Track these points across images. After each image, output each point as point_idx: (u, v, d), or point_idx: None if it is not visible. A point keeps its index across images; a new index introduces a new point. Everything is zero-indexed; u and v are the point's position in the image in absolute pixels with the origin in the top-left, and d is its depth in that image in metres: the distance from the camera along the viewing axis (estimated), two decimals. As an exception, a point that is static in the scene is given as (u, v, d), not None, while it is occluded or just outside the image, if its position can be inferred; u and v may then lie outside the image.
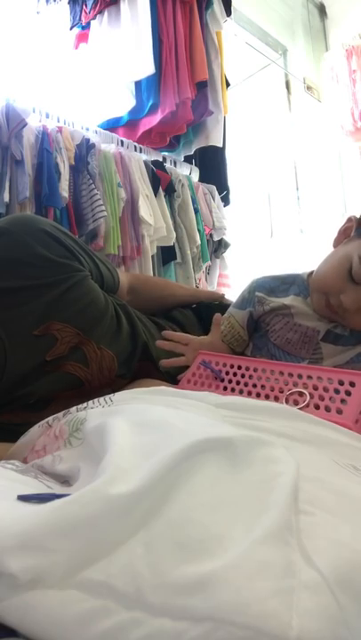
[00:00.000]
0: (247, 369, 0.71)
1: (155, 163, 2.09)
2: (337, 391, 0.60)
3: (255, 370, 0.70)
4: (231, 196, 2.55)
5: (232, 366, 0.73)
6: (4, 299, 0.72)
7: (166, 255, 2.10)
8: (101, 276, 0.86)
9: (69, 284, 0.76)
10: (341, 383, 0.60)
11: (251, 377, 0.69)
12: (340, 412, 0.58)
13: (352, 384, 0.59)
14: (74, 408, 0.54)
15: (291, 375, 0.65)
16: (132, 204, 1.90)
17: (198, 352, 0.79)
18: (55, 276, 0.75)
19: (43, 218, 0.80)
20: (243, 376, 0.71)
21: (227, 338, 0.84)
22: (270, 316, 0.79)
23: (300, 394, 0.62)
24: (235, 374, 0.72)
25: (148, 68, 1.88)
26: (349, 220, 0.76)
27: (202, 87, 2.08)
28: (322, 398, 0.60)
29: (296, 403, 0.61)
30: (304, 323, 0.76)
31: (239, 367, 0.72)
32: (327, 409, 0.59)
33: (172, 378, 0.86)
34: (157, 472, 0.32)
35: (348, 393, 0.59)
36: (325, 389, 0.61)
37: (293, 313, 0.77)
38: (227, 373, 0.73)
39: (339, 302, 0.70)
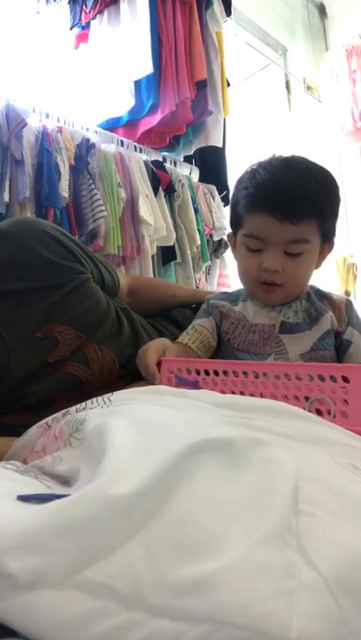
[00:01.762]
0: (225, 373, 0.68)
1: (155, 163, 2.08)
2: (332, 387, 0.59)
3: (235, 373, 0.67)
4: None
5: (207, 373, 0.69)
6: (7, 300, 0.72)
7: (166, 255, 2.09)
8: (102, 279, 0.87)
9: (71, 286, 0.76)
10: (334, 380, 0.59)
11: (235, 383, 0.67)
12: (344, 415, 0.57)
13: (345, 379, 0.58)
14: (73, 408, 0.53)
15: (277, 377, 0.63)
16: (132, 204, 1.90)
17: (160, 360, 0.76)
18: (57, 278, 0.75)
19: (45, 220, 0.81)
20: (225, 384, 0.67)
21: (195, 343, 0.84)
22: (227, 324, 0.84)
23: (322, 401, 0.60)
24: (216, 383, 0.68)
25: (146, 67, 1.87)
26: (228, 236, 0.88)
27: (201, 87, 2.08)
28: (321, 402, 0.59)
29: (319, 413, 0.59)
30: (259, 321, 0.81)
31: (216, 373, 0.69)
32: (329, 412, 0.58)
33: None
34: (157, 472, 0.32)
35: (342, 387, 0.58)
36: (321, 390, 0.60)
37: (246, 315, 0.83)
38: (204, 381, 0.69)
39: (268, 273, 0.75)
